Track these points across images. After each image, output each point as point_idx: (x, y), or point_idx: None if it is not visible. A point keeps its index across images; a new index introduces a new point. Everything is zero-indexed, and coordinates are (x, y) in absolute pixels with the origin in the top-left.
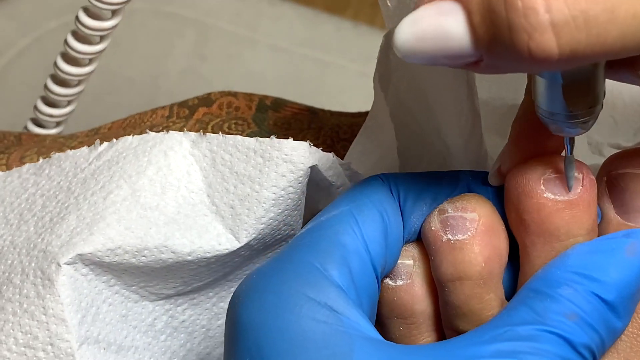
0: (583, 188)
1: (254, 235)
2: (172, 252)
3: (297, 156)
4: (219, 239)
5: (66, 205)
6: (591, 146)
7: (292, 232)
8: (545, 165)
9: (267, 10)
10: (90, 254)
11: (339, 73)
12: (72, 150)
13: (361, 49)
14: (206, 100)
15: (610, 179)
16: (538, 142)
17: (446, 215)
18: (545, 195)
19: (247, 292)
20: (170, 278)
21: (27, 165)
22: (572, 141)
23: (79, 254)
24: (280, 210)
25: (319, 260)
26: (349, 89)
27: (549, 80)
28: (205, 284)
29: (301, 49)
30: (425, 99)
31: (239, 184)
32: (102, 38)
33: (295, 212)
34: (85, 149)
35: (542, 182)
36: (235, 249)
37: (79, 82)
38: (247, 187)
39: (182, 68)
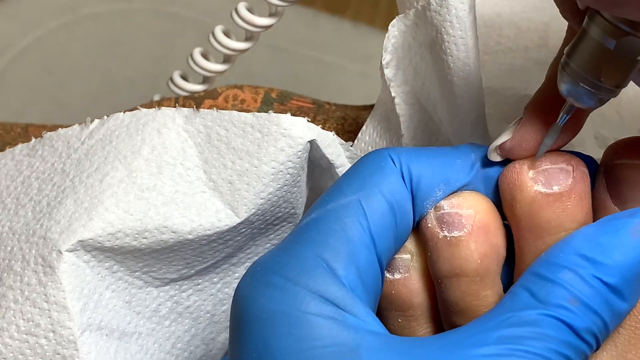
0: (573, 180)
1: (253, 211)
2: (173, 232)
3: (295, 130)
4: (218, 215)
5: (62, 188)
6: (598, 140)
7: (292, 210)
8: (536, 159)
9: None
10: (91, 239)
11: (339, 73)
12: (64, 128)
13: (361, 49)
14: (212, 92)
15: (607, 169)
16: (549, 123)
17: (442, 212)
18: (535, 188)
19: (253, 287)
20: (173, 260)
21: (20, 146)
22: (572, 112)
23: (80, 240)
24: (279, 186)
25: (326, 256)
26: (349, 88)
27: (601, 41)
28: (208, 267)
29: (301, 49)
30: (429, 89)
31: (236, 159)
32: (251, 37)
33: (295, 188)
34: (76, 126)
35: (532, 175)
36: (235, 224)
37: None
38: (246, 162)
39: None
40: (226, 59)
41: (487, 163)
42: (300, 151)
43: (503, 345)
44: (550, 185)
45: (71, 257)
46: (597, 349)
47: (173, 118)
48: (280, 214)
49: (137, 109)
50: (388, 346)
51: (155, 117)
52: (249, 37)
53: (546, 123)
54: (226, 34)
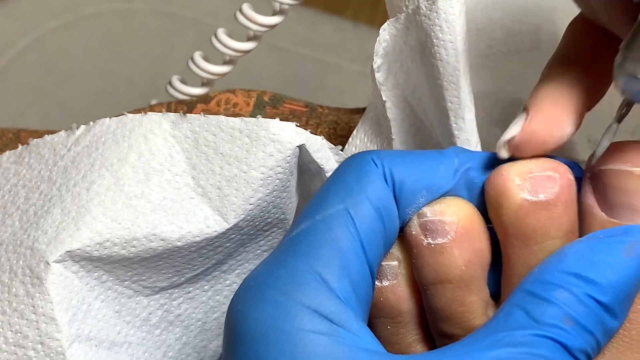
0: (560, 188)
1: (242, 216)
2: (161, 240)
3: (284, 135)
4: (207, 221)
5: (49, 197)
6: (590, 143)
7: (282, 215)
8: (522, 166)
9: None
10: (79, 249)
11: (339, 73)
12: (50, 135)
13: (361, 49)
14: (204, 97)
15: (593, 175)
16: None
17: (425, 219)
18: (521, 195)
19: (245, 301)
20: (163, 268)
21: (7, 153)
22: (628, 107)
23: (68, 251)
24: (268, 191)
25: (318, 269)
26: (349, 89)
27: None
28: (198, 274)
29: (301, 49)
30: (420, 93)
31: (225, 164)
32: (254, 37)
33: (285, 194)
34: (62, 133)
35: (518, 182)
36: (224, 230)
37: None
38: (234, 168)
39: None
40: (228, 61)
41: (470, 168)
42: (289, 156)
43: None
44: (537, 192)
45: (59, 268)
46: None
47: (160, 123)
48: (269, 220)
49: (124, 114)
50: None
51: (141, 123)
52: (252, 37)
53: (554, 116)
54: (228, 35)
